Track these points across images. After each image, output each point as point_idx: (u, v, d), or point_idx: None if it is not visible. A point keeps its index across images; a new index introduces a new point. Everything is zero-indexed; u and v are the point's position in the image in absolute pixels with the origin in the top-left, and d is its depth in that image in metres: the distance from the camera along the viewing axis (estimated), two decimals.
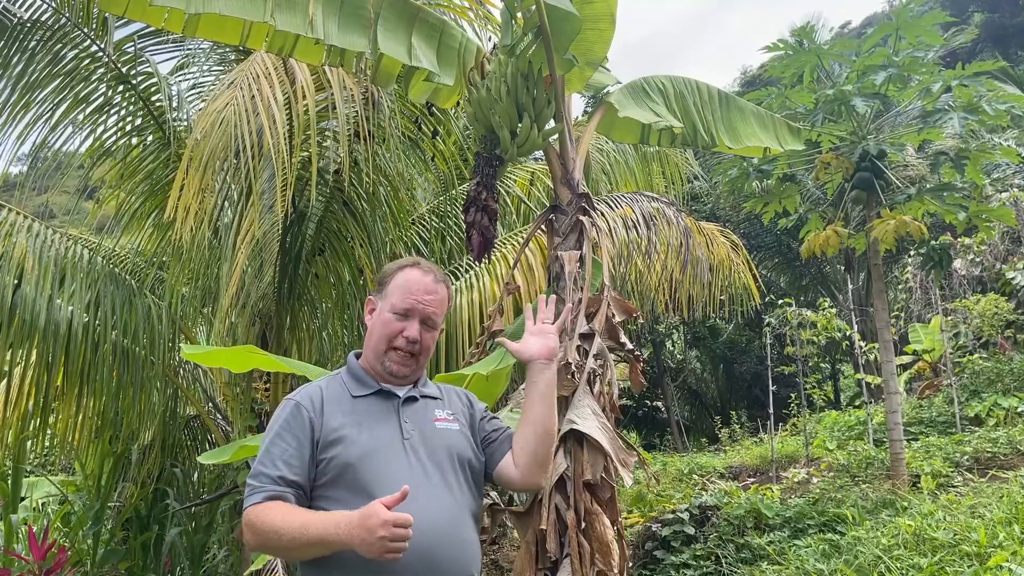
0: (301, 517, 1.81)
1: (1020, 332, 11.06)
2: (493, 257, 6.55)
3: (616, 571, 3.07)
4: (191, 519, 7.15)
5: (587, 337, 3.37)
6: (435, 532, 1.87)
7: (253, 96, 4.85)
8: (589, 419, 3.14)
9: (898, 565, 4.74)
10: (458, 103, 3.87)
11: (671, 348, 19.10)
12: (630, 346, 3.37)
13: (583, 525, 3.08)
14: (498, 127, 3.31)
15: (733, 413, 15.47)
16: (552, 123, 3.56)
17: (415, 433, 2.01)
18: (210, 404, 7.15)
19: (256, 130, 4.77)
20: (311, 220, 6.41)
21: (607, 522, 3.09)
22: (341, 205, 6.42)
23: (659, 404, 18.13)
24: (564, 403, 3.26)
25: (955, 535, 4.87)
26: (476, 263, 4.12)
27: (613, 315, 3.43)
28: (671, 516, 7.31)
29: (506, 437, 2.16)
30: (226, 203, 6.03)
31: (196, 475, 7.38)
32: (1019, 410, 9.13)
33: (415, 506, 1.82)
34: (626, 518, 9.20)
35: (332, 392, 2.05)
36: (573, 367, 3.25)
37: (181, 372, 6.92)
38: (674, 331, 17.95)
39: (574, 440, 3.17)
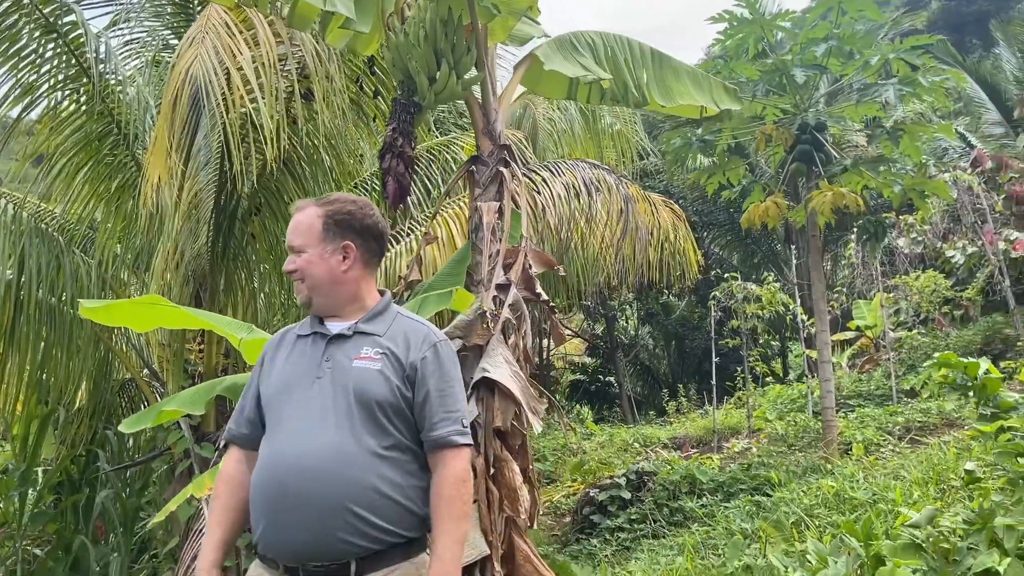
0: None
1: (957, 309, 11.35)
2: (434, 221, 6.52)
3: (525, 517, 3.09)
4: (125, 484, 7.05)
5: (503, 287, 3.36)
6: (311, 470, 1.95)
7: (218, 51, 4.76)
8: (501, 367, 3.14)
9: (817, 523, 4.86)
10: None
11: (624, 324, 19.24)
12: (545, 296, 3.37)
13: (492, 471, 3.08)
14: (415, 73, 3.26)
15: (680, 387, 15.66)
16: (474, 72, 3.52)
17: (330, 372, 2.07)
18: (146, 369, 7.01)
19: (206, 86, 4.67)
20: (247, 178, 6.28)
21: (516, 468, 3.10)
22: (280, 164, 6.30)
23: (612, 379, 18.26)
24: (478, 351, 3.26)
25: (874, 495, 5.00)
26: (393, 210, 4.07)
27: (530, 266, 3.42)
28: (608, 482, 7.40)
29: (434, 441, 2.06)
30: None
31: (130, 439, 7.26)
32: None
33: (302, 439, 2.01)
34: (569, 486, 9.31)
35: (291, 335, 2.24)
36: (488, 316, 3.24)
37: (114, 333, 6.77)
38: (627, 307, 18.07)
39: (486, 388, 3.17)
